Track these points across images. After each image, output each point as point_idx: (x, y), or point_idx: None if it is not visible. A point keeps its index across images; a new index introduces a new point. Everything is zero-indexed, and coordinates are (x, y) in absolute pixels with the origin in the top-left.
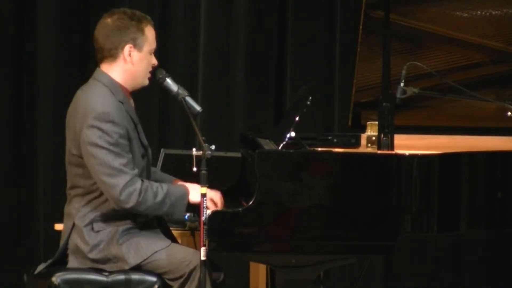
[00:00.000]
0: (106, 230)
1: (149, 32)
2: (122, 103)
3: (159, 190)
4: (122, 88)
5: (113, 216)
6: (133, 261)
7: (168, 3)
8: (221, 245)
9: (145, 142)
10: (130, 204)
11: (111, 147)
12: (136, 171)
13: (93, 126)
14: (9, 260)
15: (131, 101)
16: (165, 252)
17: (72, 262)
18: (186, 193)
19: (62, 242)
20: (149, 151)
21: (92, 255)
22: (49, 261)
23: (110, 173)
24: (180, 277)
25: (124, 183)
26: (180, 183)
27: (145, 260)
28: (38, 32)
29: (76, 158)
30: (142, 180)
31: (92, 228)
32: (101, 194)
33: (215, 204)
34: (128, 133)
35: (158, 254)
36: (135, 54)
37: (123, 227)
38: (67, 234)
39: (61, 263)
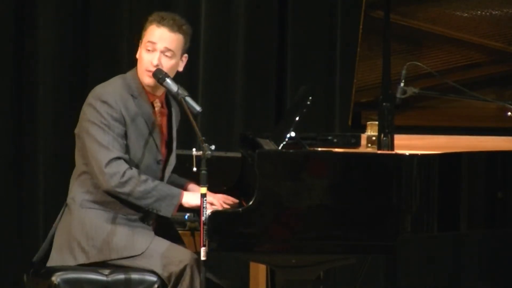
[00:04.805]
0: (99, 212)
1: (150, 31)
2: (135, 97)
3: (148, 182)
4: (143, 85)
5: (109, 201)
6: (116, 254)
7: (168, 3)
8: (221, 245)
9: (161, 149)
10: (112, 183)
11: (101, 125)
12: (126, 156)
13: (89, 104)
14: (9, 260)
15: (157, 103)
16: (155, 251)
17: (56, 241)
18: (178, 194)
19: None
20: (171, 161)
21: (77, 234)
22: (40, 249)
23: (97, 149)
24: (171, 276)
25: (108, 159)
26: (192, 185)
27: (128, 258)
28: (38, 32)
29: (76, 137)
30: (131, 168)
31: (82, 206)
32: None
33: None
34: (125, 122)
35: (147, 252)
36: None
37: (123, 216)
38: (59, 216)
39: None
